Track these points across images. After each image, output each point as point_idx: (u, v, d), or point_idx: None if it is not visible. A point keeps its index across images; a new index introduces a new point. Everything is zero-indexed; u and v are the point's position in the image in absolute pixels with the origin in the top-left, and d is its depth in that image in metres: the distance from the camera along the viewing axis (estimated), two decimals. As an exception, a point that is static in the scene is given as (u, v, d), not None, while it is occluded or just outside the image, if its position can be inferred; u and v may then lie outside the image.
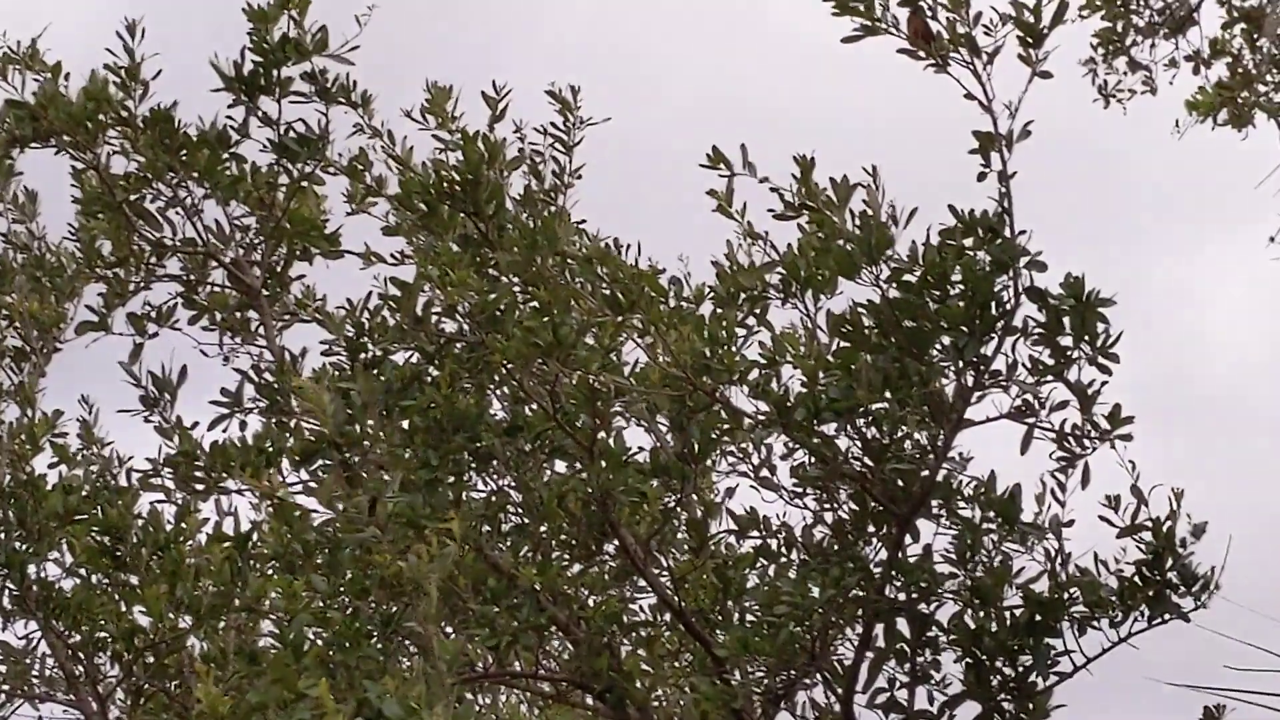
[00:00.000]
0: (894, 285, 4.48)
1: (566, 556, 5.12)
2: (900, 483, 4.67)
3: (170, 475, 5.25)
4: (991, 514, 4.77)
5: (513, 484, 5.05)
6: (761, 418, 4.68)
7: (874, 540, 4.81)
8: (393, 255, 5.71)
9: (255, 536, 5.05)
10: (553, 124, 5.74)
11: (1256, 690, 4.70)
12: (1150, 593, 4.65)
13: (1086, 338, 4.39)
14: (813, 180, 4.72)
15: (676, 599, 5.05)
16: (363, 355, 5.05)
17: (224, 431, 5.19)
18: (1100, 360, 4.41)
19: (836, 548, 4.84)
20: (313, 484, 4.76)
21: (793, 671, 4.87)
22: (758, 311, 4.97)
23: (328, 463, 4.66)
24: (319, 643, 4.10)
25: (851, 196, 4.65)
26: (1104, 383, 4.47)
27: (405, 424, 4.78)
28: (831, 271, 4.70)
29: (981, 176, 4.38)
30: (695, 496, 5.18)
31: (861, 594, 4.72)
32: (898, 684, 4.80)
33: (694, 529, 5.19)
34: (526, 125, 5.71)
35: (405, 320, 4.94)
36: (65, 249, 6.00)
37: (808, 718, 5.00)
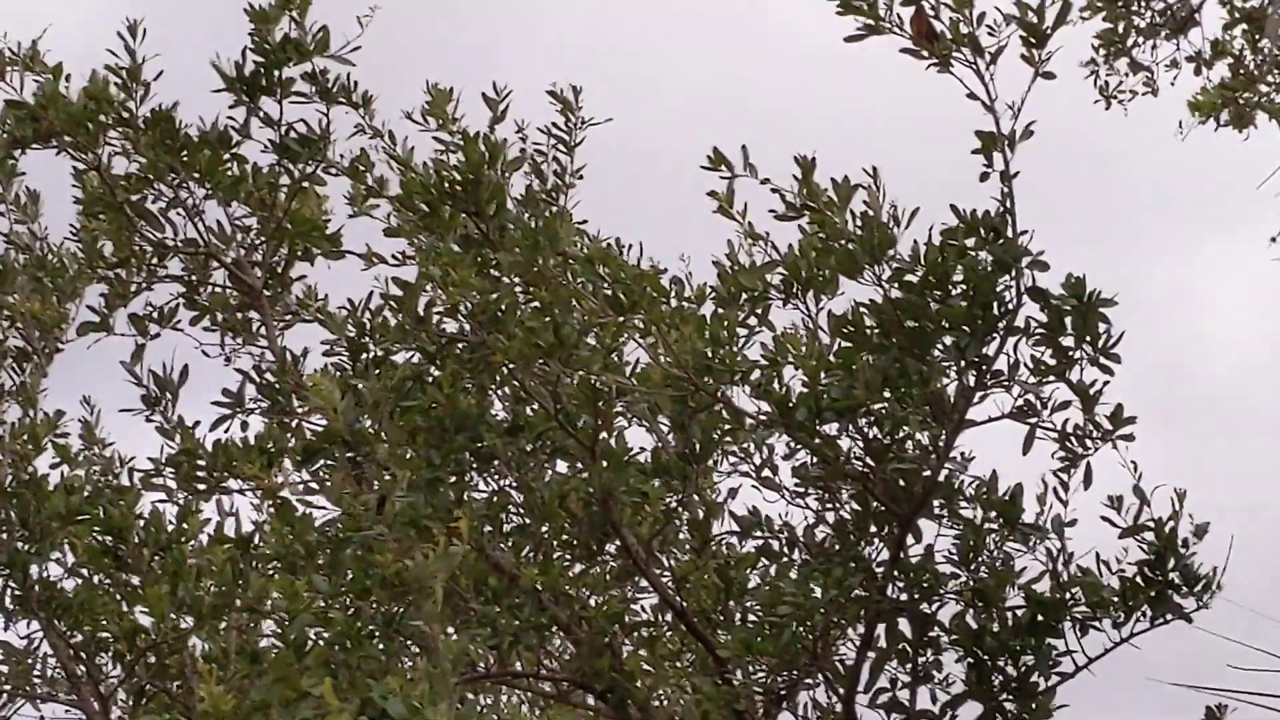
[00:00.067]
0: (896, 285, 4.48)
1: (568, 556, 5.12)
2: (902, 483, 4.67)
3: (172, 475, 5.25)
4: (993, 514, 4.77)
5: (514, 484, 5.06)
6: (763, 418, 4.68)
7: (876, 540, 4.81)
8: (394, 256, 5.71)
9: (257, 537, 5.06)
10: (554, 124, 5.74)
11: (1257, 690, 4.70)
12: (1152, 593, 4.64)
13: (1088, 338, 4.39)
14: (814, 181, 4.72)
15: (678, 599, 5.05)
16: (364, 355, 5.05)
17: (225, 431, 5.20)
18: (1102, 360, 4.41)
19: (838, 548, 4.84)
20: (313, 484, 4.76)
21: (794, 672, 4.87)
22: (759, 312, 4.97)
23: (330, 462, 4.66)
24: (321, 642, 4.10)
25: (853, 197, 4.65)
26: (1106, 383, 4.47)
27: (406, 423, 4.78)
28: (833, 271, 4.70)
29: (984, 176, 4.38)
30: (697, 497, 5.19)
31: (863, 594, 4.72)
32: (899, 684, 4.80)
33: (696, 529, 5.19)
34: (528, 126, 5.72)
35: (407, 320, 4.94)
36: (67, 249, 6.00)
37: (809, 718, 5.00)
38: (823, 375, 4.62)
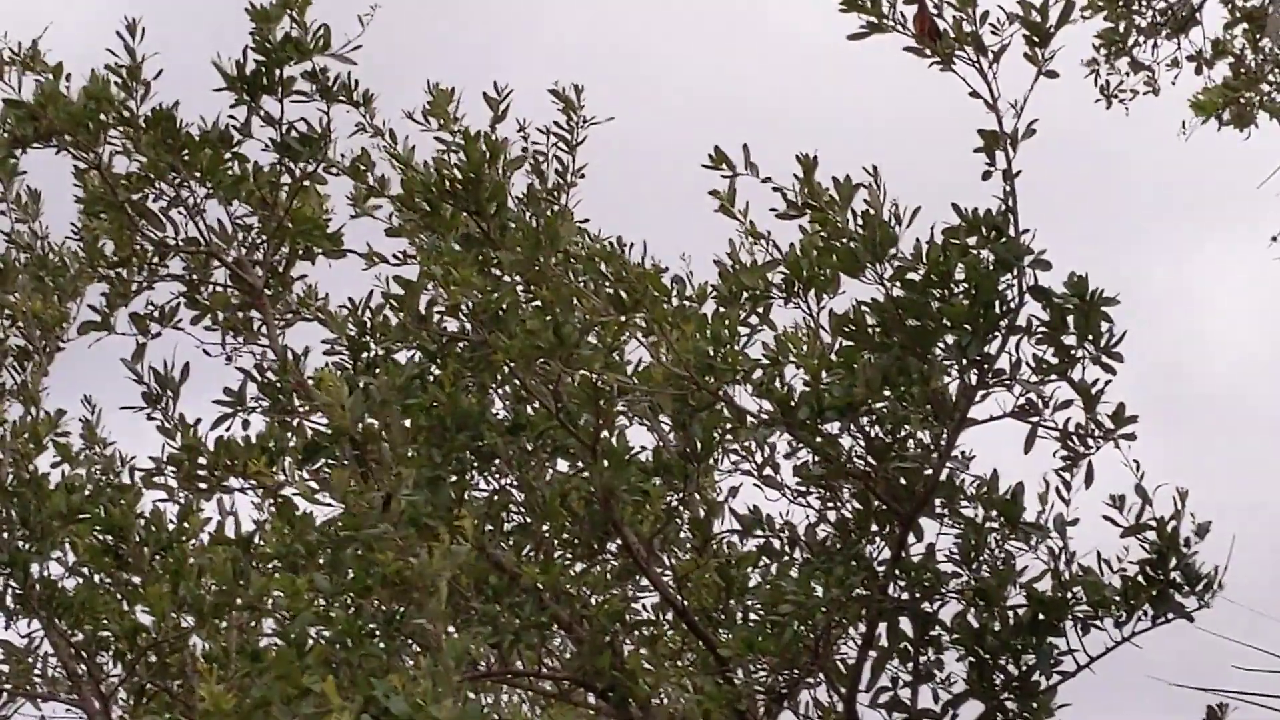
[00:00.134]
0: (897, 284, 4.48)
1: (569, 555, 5.12)
2: (903, 482, 4.67)
3: (173, 473, 5.25)
4: (994, 513, 4.77)
5: (515, 483, 5.05)
6: (765, 416, 4.68)
7: (877, 539, 4.82)
8: (395, 255, 5.71)
9: (257, 537, 5.06)
10: (556, 123, 5.74)
11: (1258, 690, 4.70)
12: (1154, 592, 4.65)
13: (1090, 337, 4.39)
14: (815, 179, 4.73)
15: (679, 598, 5.05)
16: (365, 354, 5.05)
17: (227, 430, 5.20)
18: (1104, 359, 4.42)
19: (840, 547, 4.84)
20: (314, 483, 4.75)
21: (796, 671, 4.88)
22: (760, 310, 4.97)
23: (331, 460, 4.65)
24: (322, 641, 4.10)
25: (854, 195, 4.65)
26: (1108, 382, 4.47)
27: (408, 422, 4.78)
28: (834, 270, 4.70)
29: (986, 175, 4.39)
30: (698, 495, 5.18)
31: (865, 593, 4.72)
32: (901, 683, 4.81)
33: (697, 528, 5.19)
34: (529, 125, 5.71)
35: (408, 319, 4.94)
36: (68, 248, 6.00)
37: (811, 717, 5.00)
38: (824, 374, 4.62)
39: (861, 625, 4.82)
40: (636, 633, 5.21)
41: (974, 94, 4.37)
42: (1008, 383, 4.49)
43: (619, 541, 5.02)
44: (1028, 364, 4.47)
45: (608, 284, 4.82)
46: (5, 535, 5.51)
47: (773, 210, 4.79)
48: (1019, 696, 4.71)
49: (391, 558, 3.95)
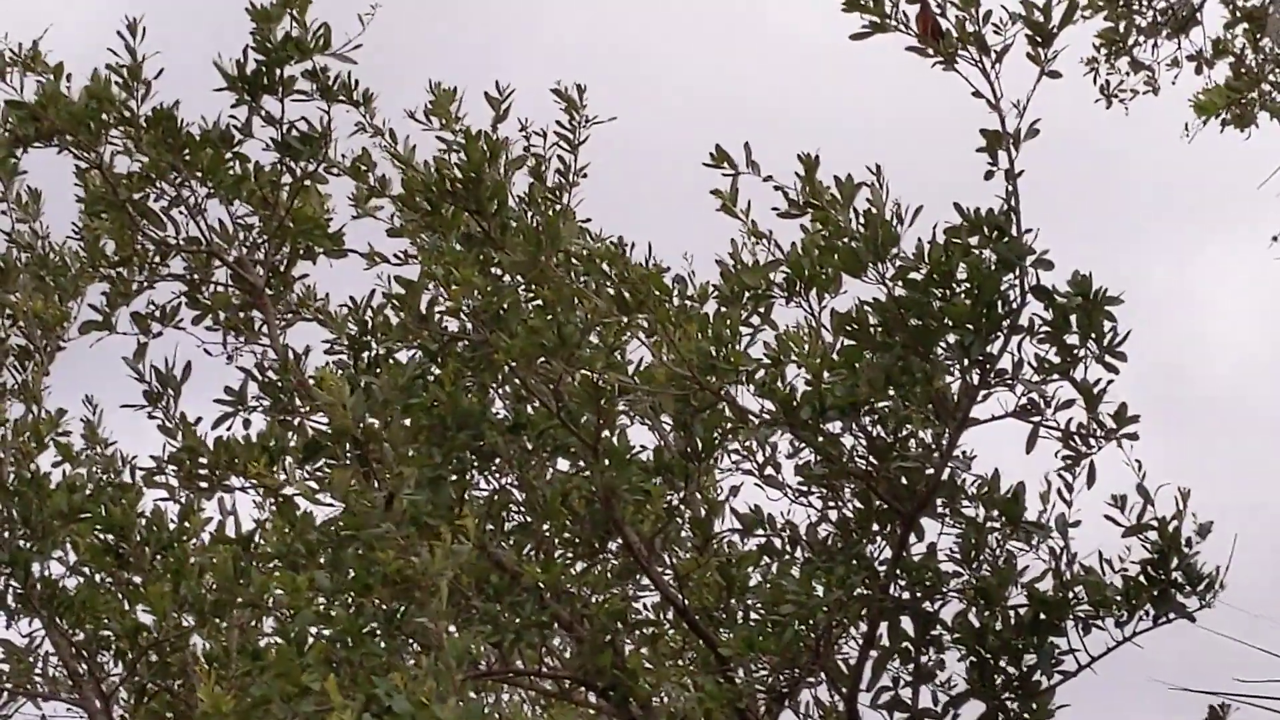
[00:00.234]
0: (899, 283, 4.47)
1: (570, 554, 5.12)
2: (905, 481, 4.67)
3: (174, 473, 5.25)
4: (996, 513, 4.76)
5: (516, 482, 5.05)
6: (766, 416, 4.68)
7: (878, 539, 4.81)
8: (396, 255, 5.71)
9: (258, 536, 5.06)
10: (558, 123, 5.73)
11: (1259, 691, 4.70)
12: (1155, 592, 4.64)
13: (1093, 336, 4.39)
14: (817, 178, 4.72)
15: (680, 597, 5.05)
16: (366, 354, 5.05)
17: (228, 429, 5.20)
18: (1107, 359, 4.41)
19: (841, 546, 4.84)
20: (313, 483, 4.75)
21: (797, 670, 4.87)
22: (762, 310, 4.97)
23: (332, 460, 4.65)
24: (323, 639, 4.10)
25: (856, 195, 4.65)
26: (1110, 381, 4.47)
27: (408, 422, 4.78)
28: (836, 269, 4.70)
29: (989, 175, 4.38)
30: (699, 495, 5.18)
31: (866, 592, 4.72)
32: (902, 683, 4.80)
33: (698, 527, 5.18)
34: (529, 125, 5.70)
35: (410, 319, 4.94)
36: (69, 248, 6.00)
37: (812, 716, 5.00)
38: (826, 374, 4.62)
39: (863, 625, 4.82)
40: (637, 632, 5.21)
41: (977, 94, 4.37)
42: (1010, 382, 4.49)
43: (620, 541, 5.02)
44: (1030, 364, 4.47)
45: (610, 285, 4.82)
46: (6, 534, 5.51)
47: (774, 209, 4.79)
48: (1020, 696, 4.70)
49: (392, 557, 3.95)
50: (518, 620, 4.79)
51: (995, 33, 4.35)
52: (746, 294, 4.96)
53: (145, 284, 5.83)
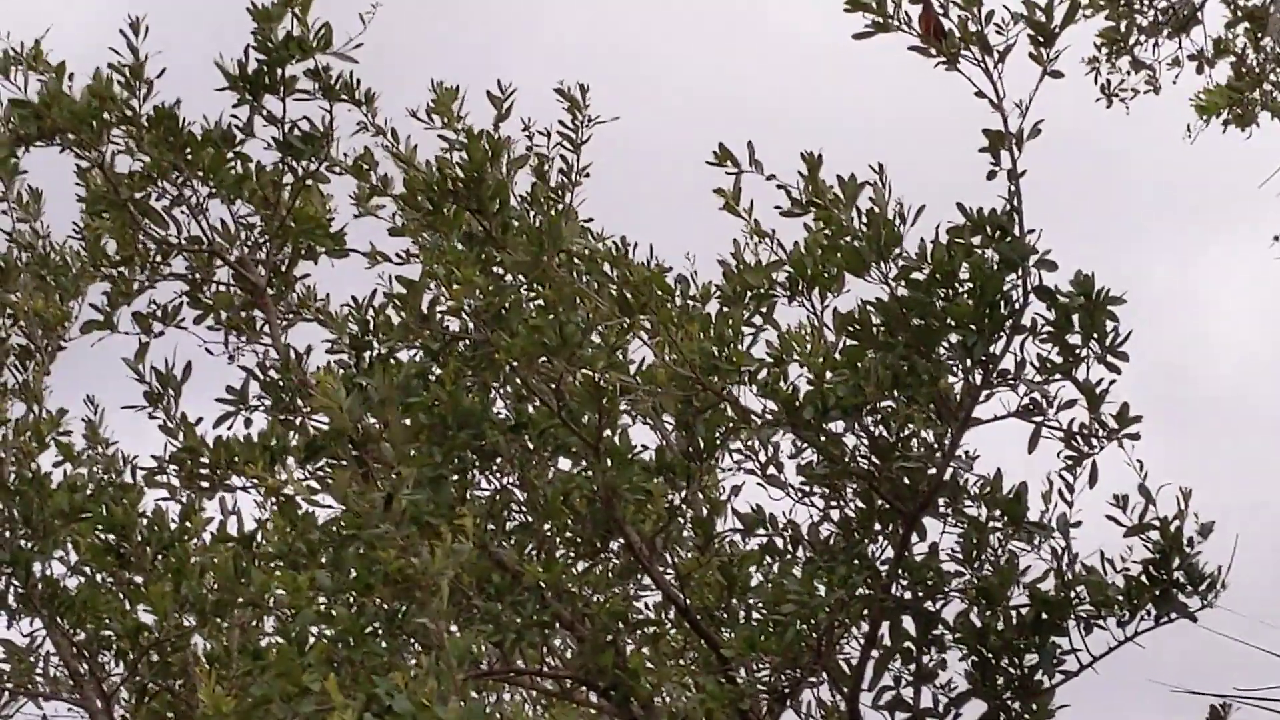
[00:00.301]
0: (902, 283, 4.47)
1: (571, 554, 5.12)
2: (907, 481, 4.67)
3: (175, 472, 5.25)
4: (998, 512, 4.76)
5: (517, 481, 5.05)
6: (769, 416, 4.68)
7: (880, 538, 4.81)
8: (398, 254, 5.71)
9: (259, 536, 5.05)
10: (561, 123, 5.73)
11: (1259, 692, 4.70)
12: (1157, 592, 4.64)
13: (1095, 336, 4.39)
14: (819, 178, 4.72)
15: (682, 597, 5.05)
16: (368, 353, 5.05)
17: (229, 429, 5.20)
18: (1109, 359, 4.41)
19: (843, 546, 4.84)
20: (314, 483, 4.75)
21: (798, 670, 4.87)
22: (764, 310, 4.97)
23: (333, 460, 4.65)
24: (324, 639, 4.10)
25: (859, 194, 4.64)
26: (1112, 381, 4.47)
27: (409, 421, 4.77)
28: (839, 269, 4.70)
29: (992, 175, 4.38)
30: (701, 494, 5.18)
31: (868, 592, 4.72)
32: (903, 682, 4.80)
33: (699, 527, 5.18)
34: (532, 124, 5.71)
35: (411, 318, 4.93)
36: (70, 247, 6.00)
37: (813, 716, 5.00)
38: (828, 373, 4.62)
39: (864, 624, 4.82)
40: (639, 632, 5.21)
41: (979, 94, 4.37)
42: (1012, 382, 4.49)
43: (621, 540, 5.02)
44: (1032, 364, 4.47)
45: (612, 285, 4.82)
46: (8, 534, 5.51)
47: (777, 208, 4.79)
48: (1021, 696, 4.70)
49: (393, 556, 3.94)
50: (519, 620, 4.79)
51: (997, 32, 4.35)
52: (749, 294, 4.96)
53: (146, 283, 5.83)
